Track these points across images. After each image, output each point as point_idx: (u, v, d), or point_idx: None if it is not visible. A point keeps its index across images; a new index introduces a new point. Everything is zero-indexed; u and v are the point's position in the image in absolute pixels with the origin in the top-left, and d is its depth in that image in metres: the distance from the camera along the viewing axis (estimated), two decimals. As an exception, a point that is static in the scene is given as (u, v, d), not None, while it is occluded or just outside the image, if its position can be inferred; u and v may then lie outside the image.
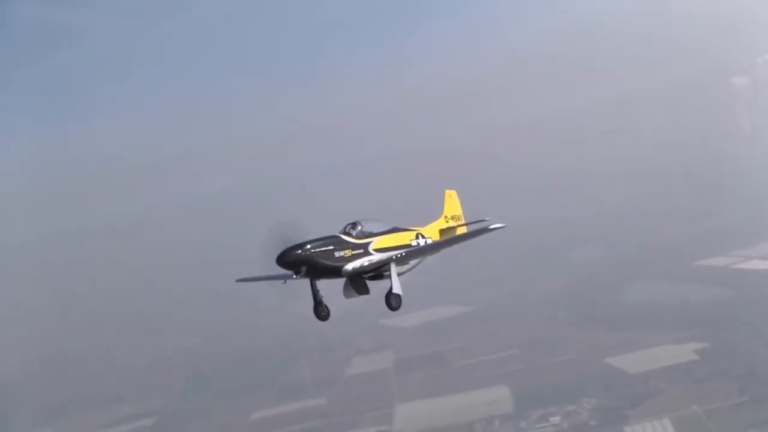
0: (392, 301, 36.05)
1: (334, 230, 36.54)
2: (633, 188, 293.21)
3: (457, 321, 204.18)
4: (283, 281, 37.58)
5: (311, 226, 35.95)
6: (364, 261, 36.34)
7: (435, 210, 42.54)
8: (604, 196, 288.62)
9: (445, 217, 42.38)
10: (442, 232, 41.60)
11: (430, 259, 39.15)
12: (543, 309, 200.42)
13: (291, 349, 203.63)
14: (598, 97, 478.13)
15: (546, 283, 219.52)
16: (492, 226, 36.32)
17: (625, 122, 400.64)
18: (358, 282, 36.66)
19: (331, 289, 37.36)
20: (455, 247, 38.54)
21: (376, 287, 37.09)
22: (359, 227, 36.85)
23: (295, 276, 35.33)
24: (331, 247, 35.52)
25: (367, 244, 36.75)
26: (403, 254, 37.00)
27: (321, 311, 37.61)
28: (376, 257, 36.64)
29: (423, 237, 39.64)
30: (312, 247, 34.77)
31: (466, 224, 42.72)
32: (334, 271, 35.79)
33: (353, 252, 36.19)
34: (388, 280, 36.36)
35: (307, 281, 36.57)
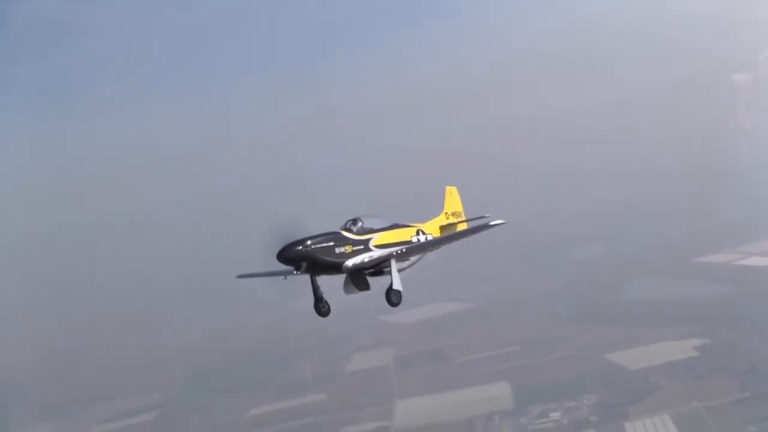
0: (392, 298, 36.07)
1: (335, 226, 36.55)
2: (633, 186, 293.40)
3: (457, 317, 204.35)
4: (283, 277, 37.59)
5: (312, 223, 35.99)
6: (365, 257, 36.36)
7: (435, 206, 42.58)
8: (604, 194, 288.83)
9: (446, 213, 42.41)
10: (442, 228, 41.63)
11: (430, 256, 39.18)
12: (543, 305, 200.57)
13: (291, 345, 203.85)
14: (599, 95, 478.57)
15: (546, 280, 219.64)
16: (492, 223, 36.35)
17: (626, 120, 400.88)
18: (358, 278, 36.68)
19: (331, 285, 37.39)
20: (456, 244, 38.56)
21: (377, 283, 37.13)
22: (360, 223, 36.88)
23: (295, 272, 35.29)
24: (332, 243, 35.54)
25: (368, 240, 36.77)
26: (404, 250, 37.01)
27: (321, 307, 37.66)
28: (377, 253, 36.66)
29: (423, 233, 39.67)
30: (312, 243, 34.78)
31: (466, 221, 42.74)
32: (335, 267, 35.82)
33: (354, 248, 36.21)
34: (389, 277, 36.39)
35: (307, 277, 36.55)
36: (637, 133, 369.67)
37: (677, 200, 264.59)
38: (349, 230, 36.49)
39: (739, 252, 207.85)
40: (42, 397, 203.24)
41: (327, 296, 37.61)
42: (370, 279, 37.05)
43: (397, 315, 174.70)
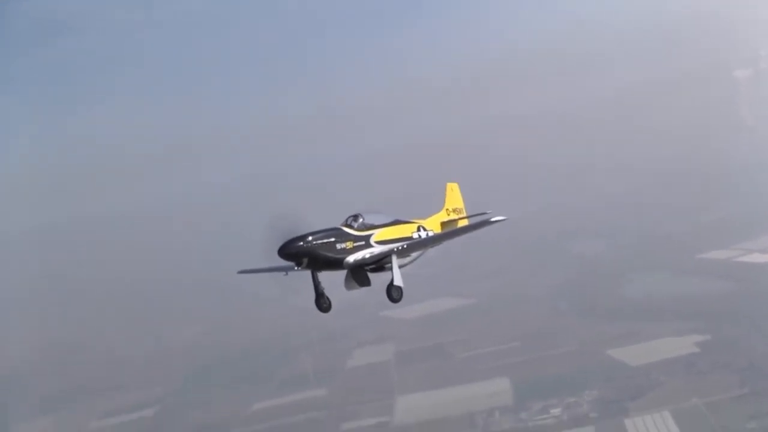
0: (393, 293, 36.12)
1: (336, 222, 36.60)
2: (635, 181, 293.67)
3: (458, 313, 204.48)
4: (284, 273, 37.64)
5: (313, 219, 36.03)
6: (366, 253, 36.39)
7: (436, 203, 42.65)
8: (605, 189, 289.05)
9: (447, 209, 42.47)
10: (443, 224, 41.68)
11: (431, 252, 39.24)
12: (544, 301, 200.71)
13: (292, 341, 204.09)
14: (600, 91, 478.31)
15: (547, 276, 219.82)
16: (493, 219, 36.35)
17: (627, 116, 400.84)
18: (359, 274, 36.72)
19: (332, 281, 37.46)
20: (456, 240, 38.60)
21: (378, 279, 37.18)
22: (361, 219, 36.90)
23: (296, 268, 35.32)
24: (333, 239, 35.56)
25: (369, 236, 36.81)
26: (405, 246, 37.03)
27: (323, 303, 37.71)
28: (378, 249, 36.69)
29: (424, 229, 39.73)
30: (314, 239, 34.81)
31: (467, 217, 42.81)
32: (336, 263, 35.85)
33: (355, 244, 36.24)
34: (390, 272, 36.41)
35: (308, 273, 36.60)
36: (639, 129, 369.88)
37: (679, 196, 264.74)
38: (350, 226, 36.53)
39: (740, 249, 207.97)
40: (42, 391, 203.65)
41: (328, 292, 37.67)
42: (371, 275, 37.08)
43: (397, 311, 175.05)
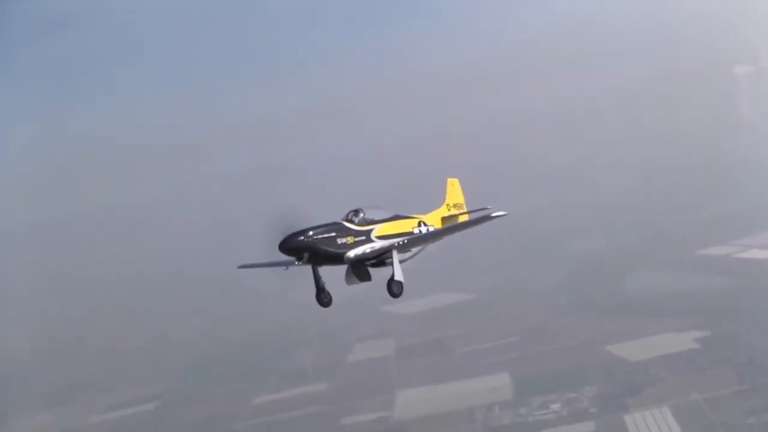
0: (394, 288, 36.16)
1: (337, 217, 36.63)
2: (634, 177, 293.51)
3: (458, 308, 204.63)
4: (285, 268, 37.66)
5: (314, 213, 36.08)
6: (366, 248, 36.43)
7: (437, 198, 42.70)
8: (605, 186, 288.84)
9: (447, 205, 42.50)
10: (444, 220, 41.72)
11: (431, 247, 39.29)
12: (544, 297, 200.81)
13: (292, 336, 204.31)
14: (600, 86, 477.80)
15: (547, 272, 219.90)
16: (494, 214, 36.42)
17: (627, 113, 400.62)
18: (360, 269, 36.77)
19: (333, 275, 37.52)
20: (457, 235, 38.67)
21: (378, 274, 37.24)
22: (361, 214, 36.94)
23: (297, 262, 35.31)
24: (334, 234, 35.60)
25: (370, 231, 36.86)
26: (405, 241, 37.09)
27: (323, 298, 37.77)
28: (378, 244, 36.73)
29: (425, 225, 39.77)
30: (314, 234, 34.85)
31: (467, 212, 42.86)
32: (337, 258, 35.88)
33: (355, 239, 36.28)
34: (390, 267, 36.43)
35: (309, 268, 36.65)
36: (639, 126, 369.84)
37: (678, 192, 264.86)
38: (350, 221, 36.57)
39: (740, 245, 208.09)
40: (42, 386, 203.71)
41: (329, 287, 37.71)
42: (371, 270, 37.14)
43: (398, 306, 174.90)
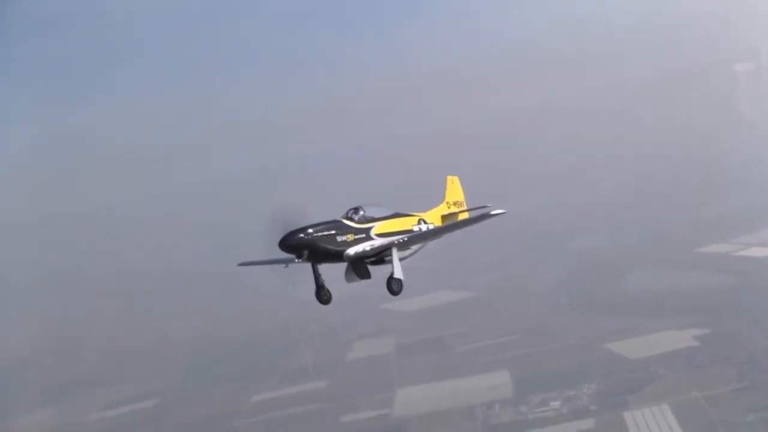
0: (394, 286, 36.17)
1: (337, 215, 36.65)
2: (634, 176, 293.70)
3: (458, 306, 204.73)
4: (284, 265, 37.70)
5: (313, 211, 36.08)
6: (366, 246, 36.44)
7: (437, 196, 42.72)
8: (605, 184, 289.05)
9: (447, 203, 42.51)
10: (443, 217, 41.72)
11: (431, 245, 39.31)
12: (544, 295, 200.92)
13: (292, 333, 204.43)
14: (600, 85, 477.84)
15: (547, 270, 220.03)
16: (493, 212, 36.43)
17: (627, 111, 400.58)
18: (359, 267, 36.77)
19: (332, 273, 37.54)
20: (457, 233, 38.67)
21: (378, 272, 37.24)
22: (361, 212, 36.94)
23: (297, 260, 35.33)
24: (334, 232, 35.59)
25: (369, 229, 36.85)
26: (405, 239, 37.07)
27: (323, 295, 37.77)
28: (378, 242, 36.73)
29: (425, 222, 39.78)
30: (314, 232, 34.84)
31: (467, 210, 42.87)
32: (336, 256, 35.88)
33: (355, 237, 36.27)
34: (390, 265, 36.42)
35: (308, 265, 36.65)
36: (639, 124, 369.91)
37: (678, 191, 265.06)
38: (350, 219, 36.57)
39: (739, 242, 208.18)
40: (42, 383, 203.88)
41: (328, 284, 37.71)
42: (371, 267, 37.13)
43: (398, 303, 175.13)
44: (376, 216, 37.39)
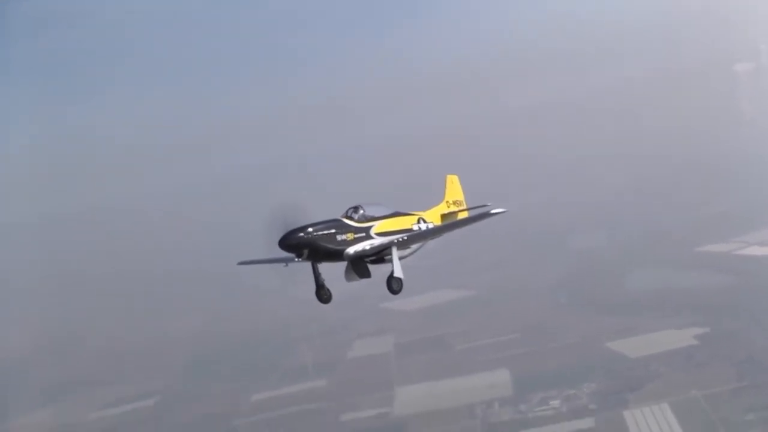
0: (393, 285, 36.21)
1: (336, 214, 36.68)
2: (634, 174, 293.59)
3: (458, 305, 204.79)
4: (284, 264, 37.74)
5: (313, 210, 36.09)
6: (366, 245, 36.46)
7: (436, 195, 42.75)
8: (605, 183, 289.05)
9: (447, 202, 42.55)
10: (443, 216, 41.76)
11: (431, 244, 39.33)
12: (544, 294, 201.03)
13: (292, 332, 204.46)
14: (600, 85, 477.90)
15: (547, 269, 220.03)
16: (493, 211, 36.44)
17: (627, 110, 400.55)
18: (359, 266, 36.80)
19: (332, 272, 37.58)
20: (456, 232, 38.70)
21: (378, 271, 37.27)
22: (361, 211, 36.97)
23: (297, 259, 35.34)
24: (333, 231, 35.61)
25: (369, 228, 36.88)
26: (405, 238, 37.09)
27: (323, 294, 37.81)
28: (378, 241, 36.76)
29: (425, 221, 39.81)
30: (314, 231, 34.87)
31: (467, 209, 42.91)
32: (336, 255, 35.90)
33: (355, 236, 36.30)
34: (390, 264, 36.47)
35: (308, 264, 36.70)
36: (639, 123, 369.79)
37: (678, 190, 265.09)
38: (350, 218, 36.60)
39: (739, 242, 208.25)
40: (42, 382, 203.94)
41: (328, 283, 37.76)
42: (371, 266, 37.17)
43: (398, 302, 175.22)
44: (376, 215, 37.42)
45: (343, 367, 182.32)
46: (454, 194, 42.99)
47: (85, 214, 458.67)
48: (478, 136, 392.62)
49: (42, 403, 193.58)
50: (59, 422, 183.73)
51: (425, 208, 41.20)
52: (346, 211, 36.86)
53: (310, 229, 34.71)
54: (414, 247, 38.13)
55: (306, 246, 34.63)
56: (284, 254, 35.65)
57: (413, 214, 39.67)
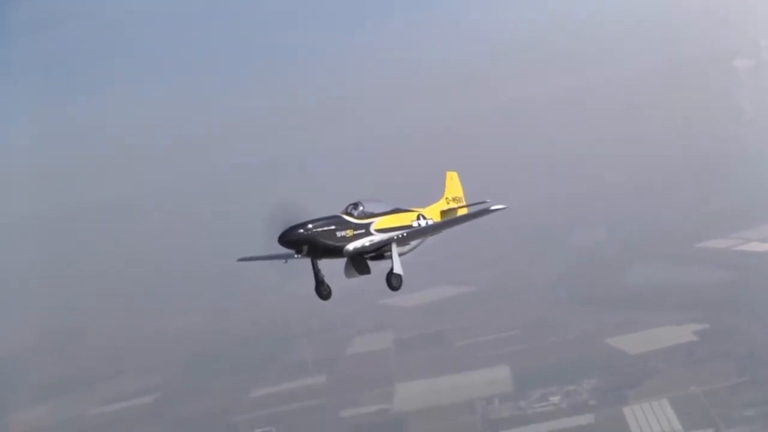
0: (393, 281, 36.19)
1: (336, 210, 36.67)
2: (634, 170, 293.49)
3: (458, 301, 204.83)
4: (284, 261, 37.74)
5: (313, 206, 36.09)
6: (366, 241, 36.44)
7: (436, 192, 42.75)
8: (605, 179, 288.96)
9: (446, 198, 42.55)
10: (443, 213, 41.78)
11: (431, 240, 39.33)
12: (544, 290, 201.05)
13: (292, 328, 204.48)
14: (600, 80, 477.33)
15: (547, 265, 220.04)
16: (493, 208, 36.40)
17: (627, 106, 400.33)
18: (359, 262, 36.79)
19: (332, 268, 37.57)
20: (456, 228, 38.72)
21: (377, 267, 37.26)
22: (361, 207, 36.94)
23: (296, 255, 35.33)
24: (333, 227, 35.59)
25: (369, 224, 36.86)
26: (405, 235, 37.07)
27: (323, 291, 37.80)
28: (378, 237, 36.74)
29: (424, 218, 39.80)
30: (314, 227, 34.84)
31: (467, 206, 42.93)
32: (336, 251, 35.87)
33: (355, 232, 36.28)
34: (389, 261, 36.46)
35: (308, 261, 36.69)
36: (639, 120, 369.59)
37: (678, 186, 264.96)
38: (350, 214, 36.57)
39: (739, 237, 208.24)
40: (42, 378, 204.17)
41: (328, 280, 37.75)
42: (370, 263, 37.17)
43: (397, 299, 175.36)
44: (376, 211, 37.40)
45: (343, 364, 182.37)
46: (454, 191, 43.00)
47: (85, 212, 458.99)
48: (478, 134, 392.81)
49: (42, 399, 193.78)
50: (59, 418, 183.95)
51: (425, 205, 41.20)
52: (346, 208, 36.83)
53: (309, 226, 34.69)
54: (414, 243, 38.14)
55: (306, 242, 34.61)
56: (284, 251, 35.68)
57: (413, 211, 39.65)
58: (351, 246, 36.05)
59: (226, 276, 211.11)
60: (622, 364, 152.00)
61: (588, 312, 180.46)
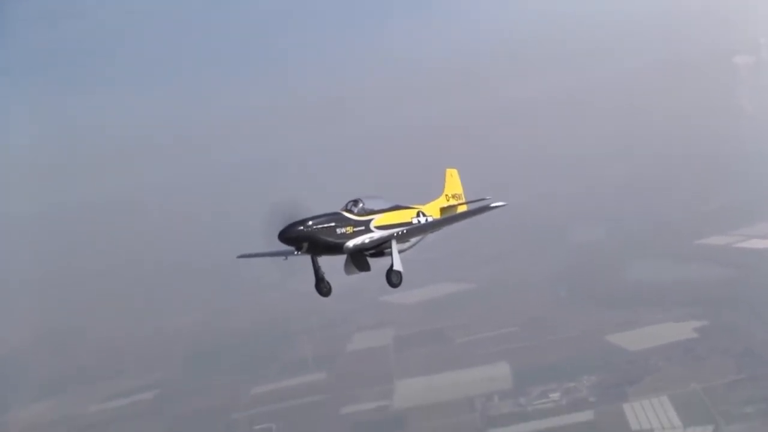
0: (393, 278, 36.27)
1: (336, 207, 36.74)
2: (635, 167, 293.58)
3: (457, 298, 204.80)
4: (284, 257, 37.80)
5: (313, 203, 36.17)
6: (366, 238, 36.54)
7: (436, 189, 42.83)
8: (605, 176, 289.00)
9: (446, 195, 42.65)
10: (443, 210, 41.88)
11: (431, 237, 39.40)
12: (544, 287, 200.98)
13: (292, 325, 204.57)
14: (600, 77, 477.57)
15: (547, 262, 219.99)
16: (493, 205, 36.52)
17: (627, 103, 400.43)
18: (359, 259, 36.88)
19: (332, 265, 37.64)
20: (456, 225, 38.79)
21: (377, 264, 37.36)
22: (361, 204, 37.04)
23: (296, 252, 35.39)
24: (333, 224, 35.69)
25: (369, 221, 36.95)
26: (405, 232, 37.18)
27: (322, 287, 37.91)
28: (378, 234, 36.84)
29: (424, 215, 39.89)
30: (314, 224, 34.94)
31: (466, 203, 43.01)
32: (336, 248, 35.97)
33: (355, 229, 36.38)
34: (389, 257, 36.56)
35: (308, 258, 36.76)
36: (639, 117, 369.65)
37: (678, 183, 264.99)
38: (350, 211, 36.67)
39: (739, 235, 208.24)
40: (42, 376, 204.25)
41: (328, 276, 37.84)
42: (370, 260, 37.26)
43: (397, 295, 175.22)
44: (376, 208, 37.51)
45: (343, 360, 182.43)
46: (454, 188, 43.10)
47: (85, 211, 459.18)
48: (478, 131, 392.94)
49: (42, 397, 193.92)
50: (59, 415, 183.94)
51: (425, 202, 41.29)
52: (346, 205, 36.93)
53: (309, 222, 34.78)
54: (413, 240, 38.23)
55: (306, 239, 34.69)
56: (284, 247, 35.75)
57: (413, 208, 39.74)
58: (351, 243, 36.14)
59: (226, 273, 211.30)
60: (621, 361, 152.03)
61: (588, 309, 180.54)
